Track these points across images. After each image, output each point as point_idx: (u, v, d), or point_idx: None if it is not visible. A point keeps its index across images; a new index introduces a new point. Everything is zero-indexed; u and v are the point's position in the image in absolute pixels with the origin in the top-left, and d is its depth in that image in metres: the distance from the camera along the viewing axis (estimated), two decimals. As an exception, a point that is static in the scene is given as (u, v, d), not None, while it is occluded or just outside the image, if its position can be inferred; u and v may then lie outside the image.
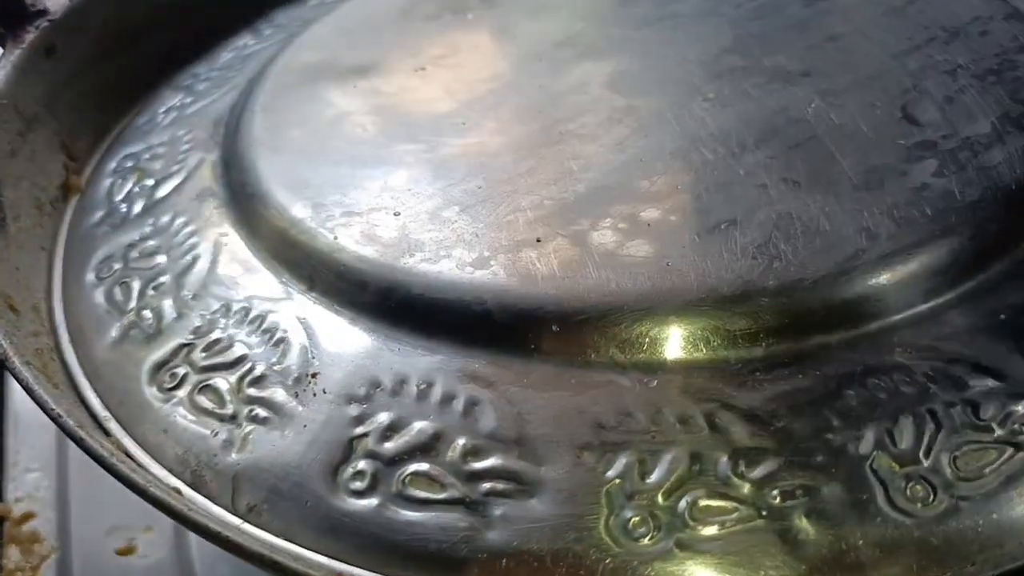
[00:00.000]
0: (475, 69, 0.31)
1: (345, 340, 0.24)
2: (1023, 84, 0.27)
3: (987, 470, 0.20)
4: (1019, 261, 0.24)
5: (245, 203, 0.28)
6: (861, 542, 0.19)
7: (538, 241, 0.24)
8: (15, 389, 0.42)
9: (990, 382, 0.21)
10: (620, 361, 0.22)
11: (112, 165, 0.33)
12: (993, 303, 0.23)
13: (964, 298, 0.23)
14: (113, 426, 0.24)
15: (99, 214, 0.31)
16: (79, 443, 0.22)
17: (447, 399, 0.22)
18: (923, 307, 0.23)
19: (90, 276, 0.29)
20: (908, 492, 0.20)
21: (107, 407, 0.25)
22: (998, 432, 0.20)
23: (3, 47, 0.32)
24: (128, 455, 0.23)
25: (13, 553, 0.36)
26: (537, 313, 0.23)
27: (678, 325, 0.22)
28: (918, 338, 0.22)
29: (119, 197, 0.31)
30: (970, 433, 0.20)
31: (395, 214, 0.26)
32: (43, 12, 0.33)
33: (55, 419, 0.22)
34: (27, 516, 0.38)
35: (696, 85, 0.29)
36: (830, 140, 0.26)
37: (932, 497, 0.20)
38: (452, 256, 0.24)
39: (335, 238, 0.26)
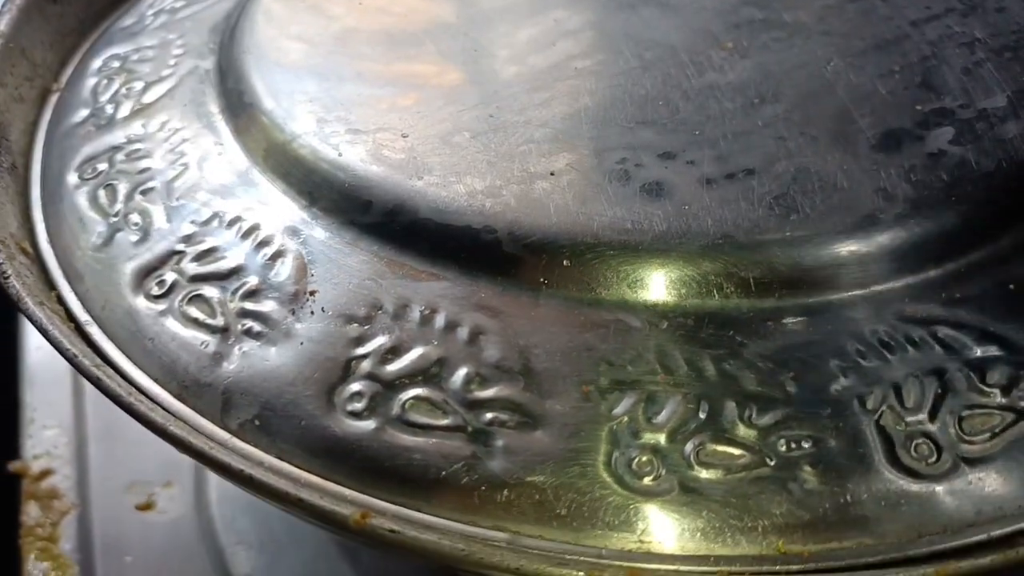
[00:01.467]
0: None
1: (346, 260, 0.23)
2: (1039, 62, 0.27)
3: (990, 434, 0.20)
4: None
5: (242, 113, 0.27)
6: (864, 496, 0.19)
7: (552, 174, 0.24)
8: (30, 347, 0.42)
9: (996, 350, 0.21)
10: (631, 301, 0.22)
11: (96, 64, 0.32)
12: (1002, 274, 0.23)
13: (974, 266, 0.23)
14: (94, 331, 0.23)
15: (82, 113, 0.29)
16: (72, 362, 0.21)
17: (451, 326, 0.22)
18: (934, 272, 0.23)
19: (72, 176, 0.27)
20: (913, 450, 0.20)
21: (88, 311, 0.24)
22: (1002, 399, 0.21)
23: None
24: (110, 364, 0.22)
25: (32, 509, 0.36)
26: (549, 246, 0.22)
27: (692, 269, 0.22)
28: (928, 302, 0.22)
29: (105, 97, 0.30)
30: (975, 397, 0.21)
31: (403, 135, 0.25)
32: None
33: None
34: (45, 473, 0.38)
35: (714, 33, 0.28)
36: (848, 99, 0.26)
37: (936, 457, 0.20)
38: (463, 182, 0.24)
39: (340, 155, 0.25)
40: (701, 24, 0.29)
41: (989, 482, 0.20)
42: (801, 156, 0.24)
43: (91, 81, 0.31)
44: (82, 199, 0.26)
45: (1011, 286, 0.22)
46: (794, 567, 0.19)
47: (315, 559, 0.37)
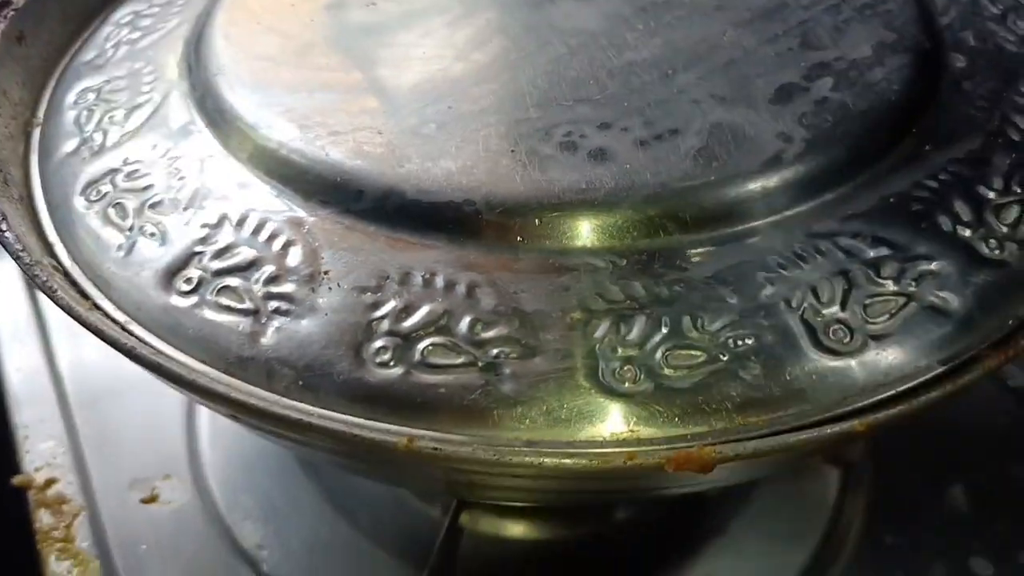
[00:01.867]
0: (425, 5, 0.34)
1: (348, 242, 0.27)
2: (892, 16, 0.33)
3: (889, 315, 0.25)
4: (901, 158, 0.29)
5: (226, 129, 0.31)
6: (799, 374, 0.24)
7: (512, 151, 0.28)
8: (10, 369, 0.46)
9: (886, 250, 0.27)
10: (594, 246, 0.26)
11: (71, 98, 0.34)
12: (883, 190, 0.28)
13: (861, 187, 0.28)
14: (136, 328, 0.26)
15: (72, 143, 0.32)
16: (130, 354, 0.24)
17: (450, 285, 0.26)
18: (830, 195, 0.28)
19: (79, 200, 0.30)
20: (831, 335, 0.25)
21: (126, 313, 0.27)
22: (895, 287, 0.26)
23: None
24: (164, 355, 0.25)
25: (44, 516, 0.39)
26: (520, 209, 0.27)
27: (639, 215, 0.27)
28: (828, 220, 0.27)
29: (90, 127, 0.33)
30: (874, 288, 0.26)
31: (379, 132, 0.29)
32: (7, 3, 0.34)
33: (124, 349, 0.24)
34: (50, 482, 0.41)
35: (625, 17, 0.33)
36: (745, 63, 0.31)
37: (850, 338, 0.25)
38: (438, 165, 0.28)
39: (327, 154, 0.28)
40: (613, 10, 0.34)
41: (892, 352, 0.25)
42: (713, 114, 0.29)
43: (71, 114, 0.34)
44: (94, 219, 0.29)
45: (891, 199, 0.28)
46: (754, 434, 0.23)
47: (316, 523, 0.41)
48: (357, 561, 0.39)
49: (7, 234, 0.27)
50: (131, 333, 0.26)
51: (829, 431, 0.23)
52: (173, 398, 0.46)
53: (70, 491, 0.41)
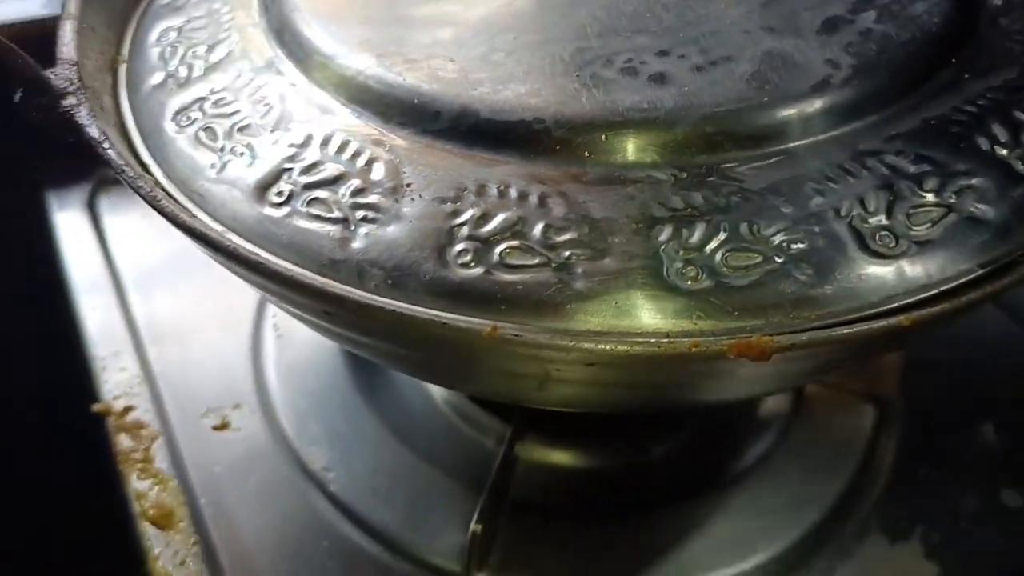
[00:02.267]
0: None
1: (427, 159, 0.29)
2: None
3: (931, 224, 0.27)
4: (941, 84, 0.31)
5: (307, 60, 0.33)
6: (849, 274, 0.26)
7: (577, 75, 0.30)
8: (86, 308, 0.49)
9: (927, 167, 0.29)
10: (656, 161, 0.29)
11: (153, 36, 0.37)
12: (925, 113, 0.30)
13: (903, 110, 0.30)
14: (234, 237, 0.29)
15: (158, 77, 0.35)
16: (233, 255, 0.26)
17: (523, 196, 0.28)
18: (875, 117, 0.30)
19: (169, 125, 0.33)
20: (878, 240, 0.27)
21: (222, 223, 0.29)
22: (936, 199, 0.28)
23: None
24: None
25: (123, 440, 0.42)
26: (588, 127, 0.29)
27: (697, 132, 0.29)
28: (873, 139, 0.29)
29: (174, 62, 0.35)
30: (917, 199, 0.28)
31: (451, 60, 0.31)
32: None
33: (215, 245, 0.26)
34: (128, 409, 0.43)
35: (678, -42, 0.35)
36: (792, -1, 0.33)
37: (895, 243, 0.27)
38: (508, 88, 0.30)
39: (404, 80, 0.31)
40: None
41: (935, 256, 0.27)
42: (764, 43, 0.31)
43: (155, 51, 0.36)
44: (186, 143, 0.32)
45: (932, 121, 0.30)
46: (808, 326, 0.26)
47: (378, 449, 0.43)
48: (417, 482, 0.42)
49: (110, 151, 0.29)
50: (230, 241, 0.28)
51: (876, 325, 0.25)
52: (240, 335, 0.48)
53: (147, 418, 0.44)
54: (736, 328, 0.26)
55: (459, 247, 0.27)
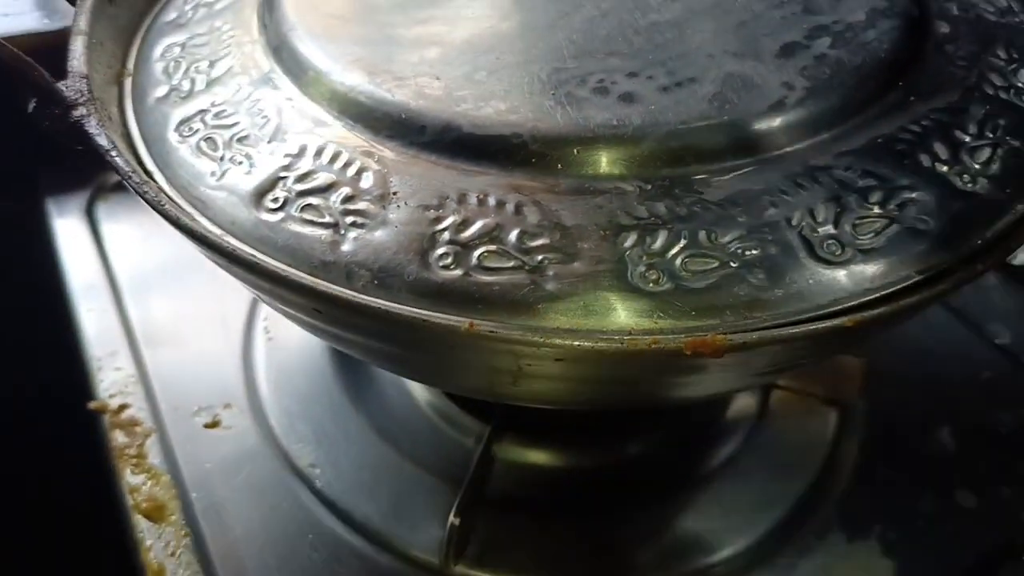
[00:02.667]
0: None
1: (413, 169, 0.32)
2: (886, -14, 0.37)
3: (875, 234, 0.30)
4: (888, 106, 0.34)
5: (302, 75, 0.35)
6: (798, 279, 0.29)
7: (553, 94, 0.33)
8: (83, 309, 0.51)
9: (873, 181, 0.31)
10: (624, 173, 0.31)
11: (157, 52, 0.39)
12: (872, 132, 0.33)
13: (853, 129, 0.33)
14: (231, 240, 0.31)
15: (163, 89, 0.37)
16: (227, 252, 0.28)
17: (500, 204, 0.30)
18: (827, 135, 0.32)
19: (172, 135, 0.35)
20: (825, 248, 0.30)
21: (221, 227, 0.31)
22: (879, 210, 0.30)
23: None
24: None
25: (118, 436, 0.45)
26: (561, 141, 0.31)
27: (662, 147, 0.31)
28: (825, 155, 0.32)
29: (178, 76, 0.37)
30: (862, 211, 0.30)
31: (436, 78, 0.34)
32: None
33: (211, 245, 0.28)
34: (123, 407, 0.46)
35: (650, -15, 0.38)
36: (754, 25, 0.36)
37: (841, 250, 0.30)
38: (489, 104, 0.32)
39: (393, 95, 0.33)
40: (638, -20, 0.38)
41: (878, 263, 0.29)
42: (727, 66, 0.34)
43: (159, 65, 0.38)
44: (188, 152, 0.34)
45: (879, 140, 0.32)
46: (759, 326, 0.28)
47: (363, 447, 0.46)
48: (400, 480, 0.44)
49: (118, 159, 0.31)
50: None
51: (820, 326, 0.28)
52: (231, 338, 0.51)
53: (141, 415, 0.46)
54: (693, 327, 0.28)
55: (440, 251, 0.29)
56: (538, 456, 0.46)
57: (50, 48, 0.34)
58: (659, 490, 0.45)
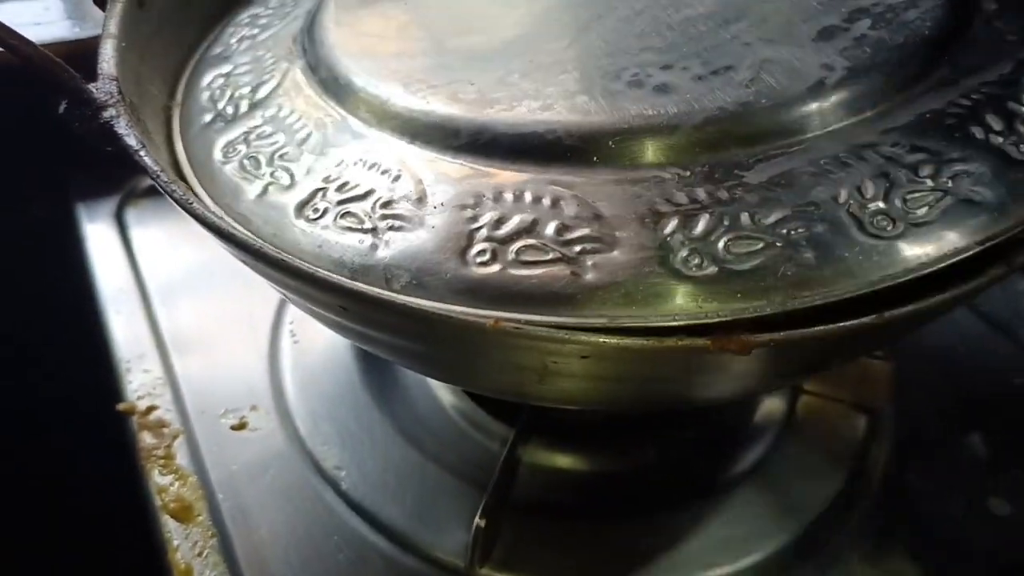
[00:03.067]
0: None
1: (449, 172, 0.32)
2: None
3: (927, 207, 0.29)
4: (935, 83, 0.33)
5: (340, 91, 0.36)
6: (846, 256, 0.28)
7: (587, 90, 0.32)
8: (111, 312, 0.52)
9: (923, 155, 0.30)
10: (661, 162, 0.30)
11: (204, 83, 0.40)
12: (919, 109, 0.32)
13: (898, 106, 0.32)
14: (271, 251, 0.31)
15: (208, 117, 0.38)
16: (264, 258, 0.28)
17: (537, 199, 0.30)
18: (871, 113, 0.31)
19: (217, 157, 0.35)
20: (875, 223, 0.28)
21: (262, 239, 0.32)
22: (932, 183, 0.29)
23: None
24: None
25: (146, 437, 0.45)
26: (596, 134, 0.31)
27: (700, 135, 0.31)
28: (869, 133, 0.31)
29: (223, 103, 0.38)
30: (913, 186, 0.29)
31: (470, 83, 0.34)
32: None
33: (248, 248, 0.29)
34: (151, 408, 0.46)
35: (683, -17, 0.37)
36: (791, 13, 0.35)
37: (892, 225, 0.28)
38: (523, 105, 0.32)
39: (427, 102, 0.33)
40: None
41: (932, 237, 0.28)
42: (763, 53, 0.33)
43: (205, 94, 0.39)
44: (232, 171, 0.35)
45: (927, 115, 0.31)
46: (808, 305, 0.27)
47: (388, 449, 0.45)
48: (425, 482, 0.44)
49: (146, 159, 0.31)
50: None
51: (850, 324, 0.26)
52: (258, 341, 0.51)
53: (169, 417, 0.47)
54: (739, 309, 0.27)
55: (478, 248, 0.29)
56: (564, 460, 0.45)
57: (81, 55, 0.34)
58: (685, 495, 0.43)
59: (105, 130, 0.33)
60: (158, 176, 0.31)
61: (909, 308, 0.27)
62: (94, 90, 0.34)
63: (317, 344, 0.50)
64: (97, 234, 0.58)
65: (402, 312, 0.27)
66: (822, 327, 0.26)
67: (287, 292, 0.32)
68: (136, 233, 0.59)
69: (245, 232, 0.31)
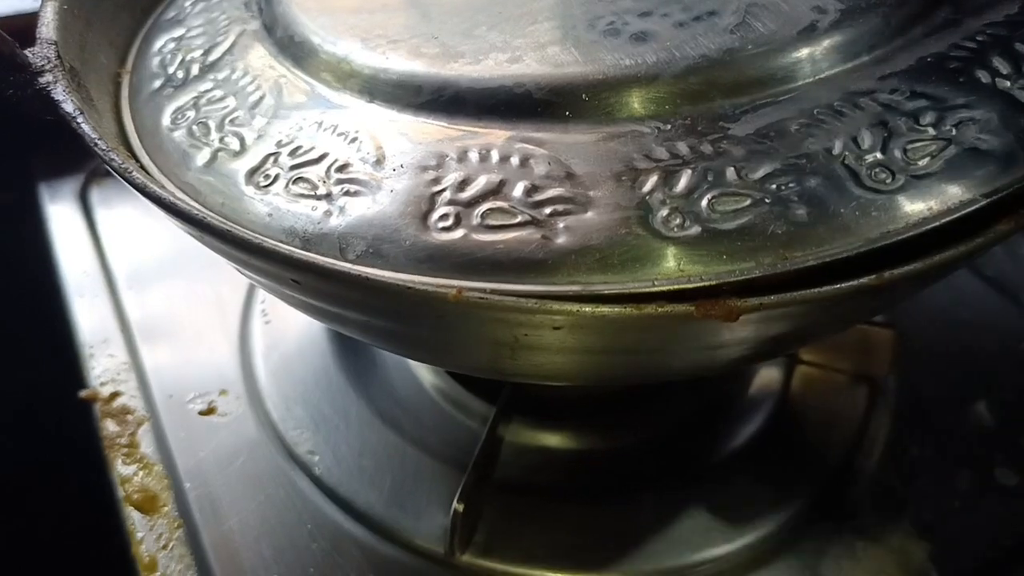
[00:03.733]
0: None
1: (410, 133, 0.29)
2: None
3: (930, 157, 0.26)
4: (936, 24, 0.30)
5: (296, 49, 0.33)
6: (842, 211, 0.25)
7: (558, 41, 0.30)
8: (73, 295, 0.50)
9: (924, 102, 0.27)
10: (639, 115, 0.28)
11: (155, 48, 0.37)
12: (920, 52, 0.29)
13: (896, 50, 0.29)
14: (220, 222, 0.29)
15: (157, 83, 0.35)
16: (201, 224, 0.26)
17: (504, 158, 0.28)
18: (867, 57, 0.29)
19: (166, 124, 0.33)
20: (873, 176, 0.26)
21: (212, 211, 0.29)
22: (934, 132, 0.27)
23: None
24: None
25: (109, 425, 0.43)
26: (568, 87, 0.28)
27: (681, 84, 0.28)
28: (866, 80, 0.28)
29: (173, 67, 0.36)
30: (914, 135, 0.27)
31: (434, 37, 0.31)
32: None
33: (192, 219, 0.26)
34: (114, 395, 0.44)
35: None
36: (779, -46, 0.32)
37: (891, 178, 0.26)
38: (490, 58, 0.30)
39: (387, 58, 0.31)
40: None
41: (935, 189, 0.26)
42: (749, -4, 0.30)
43: (156, 60, 0.37)
44: (180, 138, 0.32)
45: (928, 59, 0.29)
46: (800, 266, 0.24)
47: (363, 431, 0.43)
48: (403, 464, 0.41)
49: (84, 126, 0.28)
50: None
51: (845, 285, 0.24)
52: (228, 322, 0.49)
53: (133, 403, 0.44)
54: (725, 271, 0.25)
55: (440, 212, 0.27)
56: (548, 439, 0.42)
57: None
58: (676, 473, 0.41)
59: (42, 97, 0.30)
60: (95, 143, 0.28)
61: (911, 267, 0.24)
62: (29, 55, 0.31)
63: (290, 325, 0.48)
64: (60, 215, 0.56)
65: (355, 283, 0.25)
66: (816, 289, 0.24)
67: (241, 268, 0.30)
68: (101, 214, 0.56)
69: (190, 203, 0.28)
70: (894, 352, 0.43)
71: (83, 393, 0.44)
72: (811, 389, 0.44)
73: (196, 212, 0.26)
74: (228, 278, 0.50)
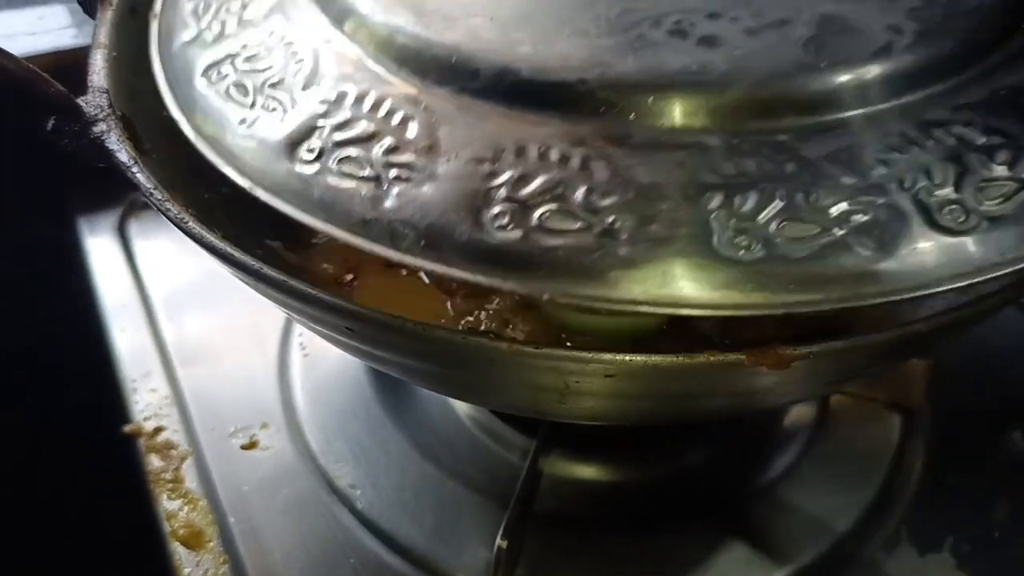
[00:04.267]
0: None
1: (465, 119, 0.28)
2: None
3: (1003, 199, 0.26)
4: (1012, 53, 0.29)
5: (342, 16, 0.31)
6: (913, 249, 0.25)
7: (623, 36, 0.29)
8: (115, 329, 0.50)
9: (998, 139, 0.27)
10: (707, 126, 0.27)
11: (187, -4, 0.36)
12: (994, 83, 0.28)
13: (971, 80, 0.28)
14: (261, 192, 0.27)
15: (190, 33, 0.33)
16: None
17: (564, 158, 0.26)
18: (942, 86, 0.28)
19: (200, 81, 0.31)
20: (947, 213, 0.25)
21: (250, 179, 0.28)
22: (1009, 173, 0.26)
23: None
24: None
25: (153, 460, 0.43)
26: (634, 88, 0.27)
27: (751, 98, 0.27)
28: (941, 109, 0.28)
29: (207, 19, 0.34)
30: (988, 173, 0.26)
31: (491, 19, 0.30)
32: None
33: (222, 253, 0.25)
34: (158, 430, 0.44)
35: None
36: (853, -36, 0.31)
37: (965, 218, 0.25)
38: (552, 47, 0.28)
39: (442, 37, 0.29)
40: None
41: (1007, 233, 0.25)
42: (822, 7, 0.29)
43: (188, 6, 0.35)
44: (216, 98, 0.31)
45: (1002, 92, 0.28)
46: (870, 301, 0.24)
47: (404, 465, 0.43)
48: (443, 498, 0.41)
49: (139, 175, 0.29)
50: (256, 197, 0.27)
51: (894, 332, 0.24)
52: (267, 355, 0.48)
53: (176, 438, 0.44)
54: (794, 302, 0.24)
55: (496, 209, 0.26)
56: (587, 471, 0.43)
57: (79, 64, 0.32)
58: (714, 505, 0.41)
59: (96, 145, 0.30)
60: (151, 194, 0.28)
61: (970, 309, 0.24)
62: (83, 104, 0.31)
63: (328, 357, 0.47)
64: (99, 248, 0.55)
65: (412, 334, 0.25)
66: (865, 338, 0.23)
67: (291, 312, 0.29)
68: (139, 246, 0.55)
69: (244, 255, 0.27)
70: (928, 380, 0.42)
71: (127, 428, 0.44)
72: (846, 418, 0.44)
73: (252, 263, 0.25)
74: (266, 310, 0.49)
